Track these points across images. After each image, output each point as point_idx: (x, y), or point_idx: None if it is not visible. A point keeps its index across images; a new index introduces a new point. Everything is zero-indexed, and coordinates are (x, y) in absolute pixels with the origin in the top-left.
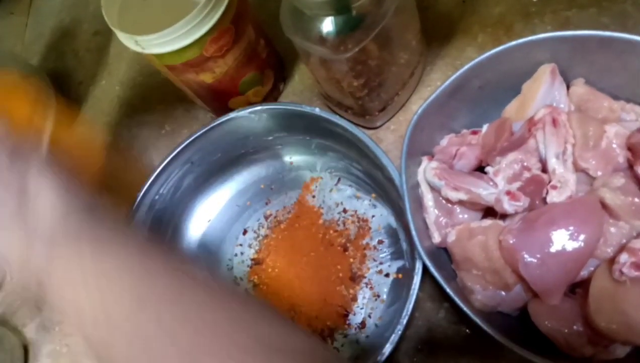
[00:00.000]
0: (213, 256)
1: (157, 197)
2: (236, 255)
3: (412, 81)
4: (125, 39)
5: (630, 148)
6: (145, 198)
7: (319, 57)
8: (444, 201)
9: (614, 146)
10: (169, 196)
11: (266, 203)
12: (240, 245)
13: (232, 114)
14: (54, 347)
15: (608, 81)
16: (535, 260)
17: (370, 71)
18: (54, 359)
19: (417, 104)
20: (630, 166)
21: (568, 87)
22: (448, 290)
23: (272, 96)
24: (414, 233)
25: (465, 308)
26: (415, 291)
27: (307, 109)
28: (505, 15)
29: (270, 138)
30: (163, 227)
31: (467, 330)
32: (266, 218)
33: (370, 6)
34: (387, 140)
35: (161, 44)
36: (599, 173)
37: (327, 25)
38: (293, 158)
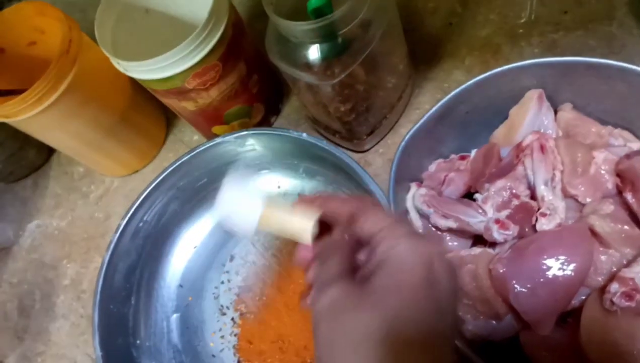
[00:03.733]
0: (199, 283)
1: (141, 224)
2: (222, 282)
3: (401, 104)
4: (110, 57)
5: (619, 174)
6: (129, 225)
7: (306, 83)
8: (433, 229)
9: (603, 172)
10: (154, 223)
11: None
12: (227, 272)
13: (218, 139)
14: None
15: (595, 105)
16: (525, 290)
17: (357, 95)
18: None
19: (406, 127)
20: (620, 193)
21: (555, 112)
22: None
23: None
24: None
25: (456, 341)
26: None
27: (294, 134)
28: (492, 38)
29: (258, 162)
30: (147, 254)
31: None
32: (253, 244)
33: (357, 32)
34: (376, 164)
35: (143, 71)
36: (588, 200)
37: (313, 52)
38: (281, 182)
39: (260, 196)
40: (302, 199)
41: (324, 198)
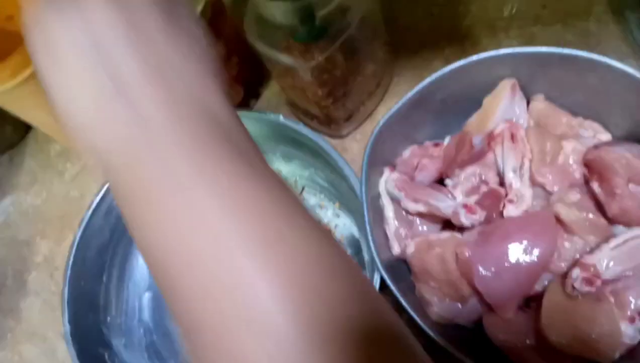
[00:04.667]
0: None
1: (114, 202)
2: None
3: (379, 91)
4: None
5: (586, 164)
6: (103, 203)
7: (284, 66)
8: (404, 213)
9: (571, 162)
10: None
11: None
12: None
13: None
14: (6, 354)
15: (568, 97)
16: (489, 273)
17: (335, 80)
18: None
19: (384, 115)
20: (587, 182)
21: (528, 102)
22: (403, 302)
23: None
24: (372, 244)
25: (419, 321)
26: None
27: (271, 116)
28: (472, 29)
29: None
30: (120, 233)
31: (425, 342)
32: None
33: (335, 16)
34: (353, 150)
35: None
36: (556, 188)
37: (292, 34)
38: None
39: None
40: None
41: None
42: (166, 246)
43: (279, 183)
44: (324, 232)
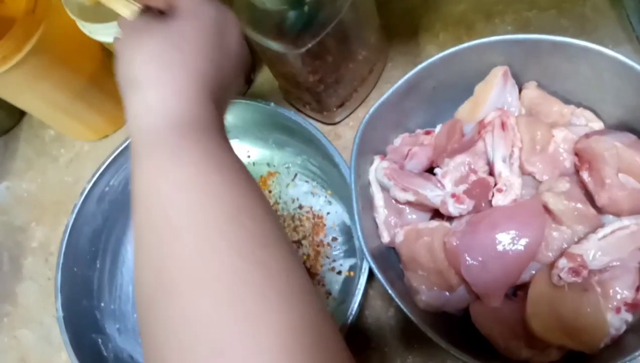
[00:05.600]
0: None
1: (107, 189)
2: None
3: (372, 77)
4: (75, 19)
5: (577, 153)
6: (95, 189)
7: (275, 52)
8: (393, 202)
9: (562, 150)
10: (121, 188)
11: None
12: None
13: None
14: (2, 338)
15: (560, 85)
16: (477, 263)
17: (326, 66)
18: (2, 352)
19: (373, 103)
20: (577, 171)
21: (520, 90)
22: (390, 291)
23: None
24: (359, 233)
25: (405, 310)
26: (361, 291)
27: (261, 103)
28: (467, 14)
29: (228, 131)
30: (113, 219)
31: (414, 330)
32: None
33: (325, 1)
34: (346, 136)
35: (107, 34)
36: (545, 177)
37: (282, 19)
38: (251, 151)
39: None
40: None
41: None
42: (137, 189)
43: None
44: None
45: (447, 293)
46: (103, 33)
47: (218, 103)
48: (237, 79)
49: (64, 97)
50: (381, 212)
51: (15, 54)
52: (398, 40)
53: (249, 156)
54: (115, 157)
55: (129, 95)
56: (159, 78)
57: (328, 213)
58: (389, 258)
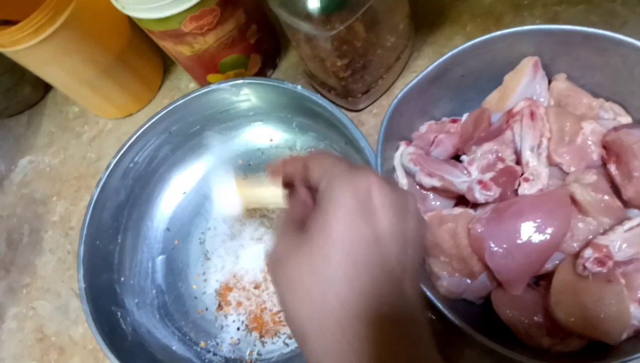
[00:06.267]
0: (186, 228)
1: (131, 165)
2: (209, 229)
3: (398, 66)
4: None
5: (605, 146)
6: (120, 165)
7: (305, 34)
8: (418, 187)
9: (589, 143)
10: (144, 165)
11: (243, 179)
12: (215, 219)
13: (213, 86)
14: (20, 309)
15: (589, 78)
16: (501, 250)
17: (355, 51)
18: (20, 322)
19: (401, 89)
20: (604, 164)
21: (550, 81)
22: None
23: None
24: None
25: (429, 294)
26: None
27: (288, 85)
28: (495, 6)
29: (252, 113)
30: (136, 195)
31: (433, 316)
32: None
33: None
34: (369, 124)
35: (140, 9)
36: (572, 169)
37: (314, 1)
38: (273, 135)
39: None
40: (270, 168)
41: (285, 161)
42: None
43: None
44: None
45: (469, 280)
46: (135, 8)
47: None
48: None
49: (91, 73)
50: None
51: (48, 27)
52: (425, 30)
53: (271, 140)
54: (141, 133)
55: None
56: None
57: None
58: None
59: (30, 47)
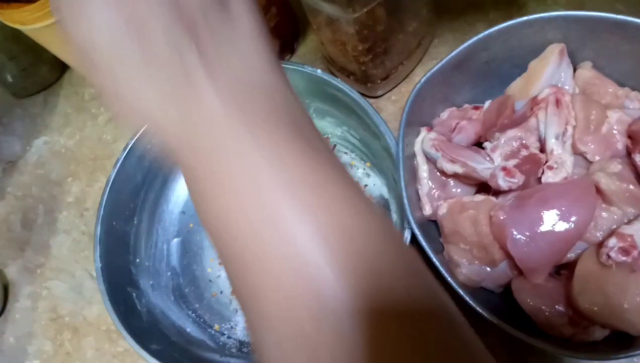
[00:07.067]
0: None
1: (149, 146)
2: None
3: (419, 52)
4: None
5: (630, 136)
6: (137, 146)
7: (326, 17)
8: (438, 174)
9: (615, 132)
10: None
11: None
12: None
13: None
14: (34, 289)
15: (616, 67)
16: (524, 238)
17: (376, 36)
18: (34, 301)
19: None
20: (629, 154)
21: (575, 69)
22: (435, 260)
23: None
24: (405, 201)
25: (450, 280)
26: None
27: (308, 69)
28: None
29: None
30: (152, 178)
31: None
32: None
33: None
34: (387, 110)
35: None
36: (597, 158)
37: None
38: None
39: None
40: None
41: None
42: (226, 217)
43: (334, 158)
44: (380, 212)
45: (488, 269)
46: None
47: None
48: None
49: None
50: (425, 184)
51: None
52: (447, 16)
53: None
54: None
55: None
56: None
57: (366, 186)
58: (429, 231)
59: (50, 25)
